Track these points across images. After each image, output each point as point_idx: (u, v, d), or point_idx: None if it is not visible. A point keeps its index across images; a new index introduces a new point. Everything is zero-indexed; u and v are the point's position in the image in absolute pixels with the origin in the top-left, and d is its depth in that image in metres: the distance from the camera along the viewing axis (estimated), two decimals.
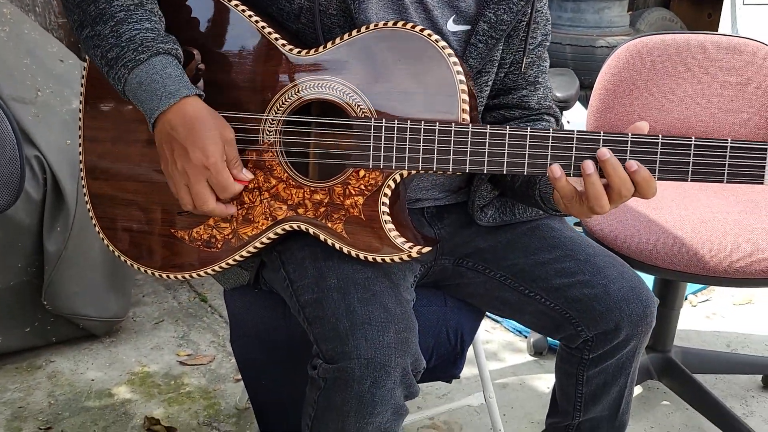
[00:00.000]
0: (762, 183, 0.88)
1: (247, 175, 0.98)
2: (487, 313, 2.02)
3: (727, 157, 0.88)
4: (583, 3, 3.10)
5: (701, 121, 1.74)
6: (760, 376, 1.85)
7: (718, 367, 1.86)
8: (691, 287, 2.26)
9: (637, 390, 1.81)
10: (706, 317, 2.17)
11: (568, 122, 2.82)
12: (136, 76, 0.94)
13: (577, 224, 2.33)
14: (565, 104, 1.67)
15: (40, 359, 1.85)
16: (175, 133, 0.94)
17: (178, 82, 0.94)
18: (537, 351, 1.96)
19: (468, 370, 1.83)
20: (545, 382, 1.85)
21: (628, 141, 0.91)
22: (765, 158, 0.88)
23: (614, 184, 0.92)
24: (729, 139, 0.88)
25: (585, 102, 2.45)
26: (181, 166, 0.95)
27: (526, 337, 2.02)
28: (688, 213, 1.52)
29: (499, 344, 2.02)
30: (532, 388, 1.84)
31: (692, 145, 0.88)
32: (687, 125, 1.75)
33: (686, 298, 2.24)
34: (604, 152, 0.92)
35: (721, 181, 0.88)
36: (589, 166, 0.92)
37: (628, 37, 3.07)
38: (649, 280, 1.71)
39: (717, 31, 3.11)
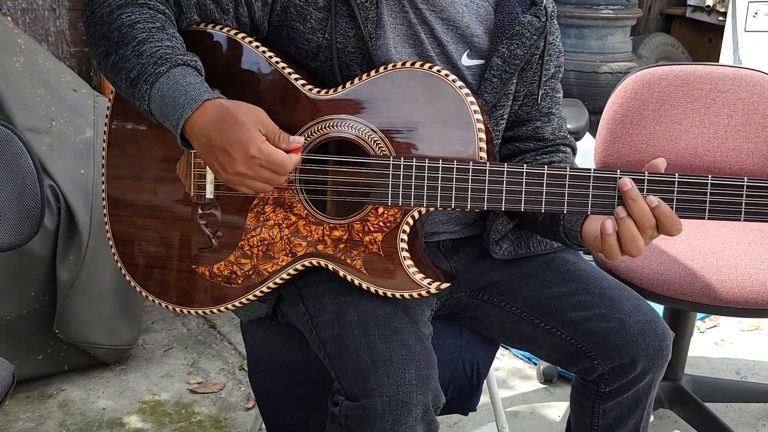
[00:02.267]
0: None
1: (297, 140, 0.96)
2: (516, 347, 2.03)
3: (744, 195, 0.89)
4: (586, 29, 3.14)
5: (708, 150, 1.76)
6: None
7: (729, 396, 1.85)
8: (699, 314, 2.27)
9: None
10: (714, 344, 2.18)
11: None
12: (159, 90, 0.95)
13: (586, 253, 2.34)
14: (575, 135, 1.69)
15: (51, 388, 1.85)
16: (211, 141, 0.93)
17: (199, 88, 0.94)
18: (547, 378, 1.96)
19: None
20: (556, 410, 1.85)
21: (644, 180, 0.92)
22: None
23: (635, 215, 0.93)
24: (745, 178, 0.89)
25: (590, 128, 2.47)
26: (233, 170, 0.93)
27: (535, 364, 2.02)
28: (698, 243, 1.54)
29: (509, 371, 2.02)
30: (543, 417, 1.84)
31: (708, 184, 0.90)
32: (695, 155, 1.77)
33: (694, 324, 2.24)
34: (626, 182, 0.93)
35: (738, 219, 0.89)
36: (621, 210, 0.94)
37: (630, 63, 3.11)
38: (659, 309, 1.71)
39: (718, 56, 3.15)
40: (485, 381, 1.51)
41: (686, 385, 1.76)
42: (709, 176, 0.89)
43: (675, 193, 0.91)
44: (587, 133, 2.42)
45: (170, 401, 1.83)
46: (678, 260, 1.49)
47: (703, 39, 3.91)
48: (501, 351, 2.10)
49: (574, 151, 1.25)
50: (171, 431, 1.72)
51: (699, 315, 2.28)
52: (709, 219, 0.90)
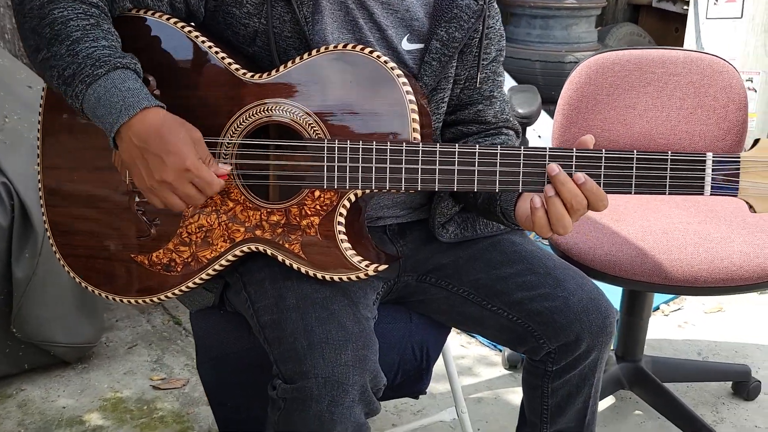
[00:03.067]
0: (703, 194, 0.90)
1: (225, 167, 0.98)
2: (465, 329, 2.04)
3: (668, 169, 0.90)
4: (551, 20, 3.15)
5: (662, 133, 1.78)
6: (730, 383, 1.88)
7: (688, 376, 1.88)
8: (662, 297, 2.29)
9: (610, 400, 1.83)
10: (678, 326, 2.20)
11: (539, 137, 2.86)
12: (95, 92, 0.95)
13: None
14: (527, 120, 1.70)
15: (11, 388, 1.83)
16: (146, 145, 0.94)
17: (138, 95, 0.94)
18: (511, 364, 1.97)
19: (443, 386, 1.84)
20: (519, 395, 1.83)
21: (573, 156, 0.93)
22: (704, 170, 0.90)
23: (565, 198, 0.95)
24: (669, 152, 0.90)
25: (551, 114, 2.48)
26: (160, 177, 0.94)
27: (500, 351, 2.03)
28: (649, 224, 1.55)
29: (474, 359, 2.03)
30: (507, 402, 1.85)
31: (634, 159, 0.91)
32: (649, 138, 1.79)
33: (658, 308, 2.26)
34: (553, 167, 0.94)
35: (664, 193, 0.90)
36: (549, 189, 0.95)
37: (596, 52, 3.12)
38: (617, 291, 1.73)
39: (683, 45, 3.17)
40: (445, 367, 1.53)
41: (646, 366, 1.78)
42: (635, 151, 0.90)
43: (602, 168, 0.92)
44: (549, 119, 2.44)
45: (132, 398, 1.81)
46: (629, 241, 1.50)
47: (669, 28, 3.94)
48: (467, 339, 2.11)
49: (517, 133, 1.25)
50: (132, 428, 1.71)
51: (663, 298, 2.30)
52: (636, 193, 0.91)
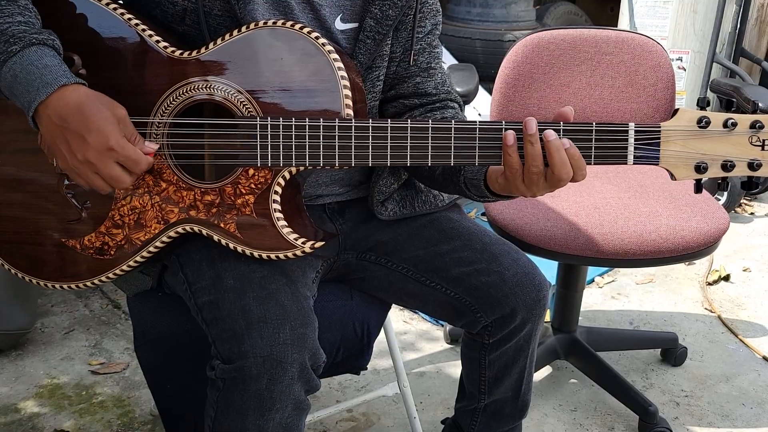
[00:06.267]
0: (626, 163, 0.93)
1: (152, 145, 0.97)
2: (405, 305, 2.07)
3: (593, 140, 0.93)
4: None
5: (595, 111, 1.83)
6: (659, 350, 1.97)
7: (619, 344, 1.96)
8: (597, 270, 2.37)
9: (546, 370, 1.89)
10: (611, 297, 2.28)
11: (480, 115, 2.89)
12: (10, 69, 0.92)
13: (483, 214, 2.40)
14: (465, 98, 1.72)
15: None
16: (66, 124, 0.91)
17: (56, 72, 0.92)
18: (453, 339, 2.01)
19: (386, 362, 1.86)
20: (460, 368, 1.90)
21: (502, 128, 0.95)
22: (627, 139, 0.93)
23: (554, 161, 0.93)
24: (594, 123, 0.93)
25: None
26: (83, 157, 0.92)
27: (442, 326, 2.07)
28: (583, 200, 1.60)
29: (416, 334, 2.06)
30: (448, 375, 1.89)
31: (561, 130, 0.93)
32: (583, 116, 1.83)
33: (593, 281, 2.34)
34: (550, 132, 0.93)
35: (590, 163, 0.93)
36: (551, 133, 0.92)
37: (534, 31, 3.18)
38: (553, 265, 1.78)
39: (617, 24, 3.25)
40: (387, 343, 1.55)
41: (581, 336, 1.84)
42: (561, 123, 0.93)
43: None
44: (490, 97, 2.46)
45: (70, 384, 1.78)
46: (563, 216, 1.54)
47: (605, 8, 4.04)
48: (410, 315, 2.14)
49: (461, 106, 1.26)
50: (70, 413, 1.68)
51: (598, 271, 2.38)
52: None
